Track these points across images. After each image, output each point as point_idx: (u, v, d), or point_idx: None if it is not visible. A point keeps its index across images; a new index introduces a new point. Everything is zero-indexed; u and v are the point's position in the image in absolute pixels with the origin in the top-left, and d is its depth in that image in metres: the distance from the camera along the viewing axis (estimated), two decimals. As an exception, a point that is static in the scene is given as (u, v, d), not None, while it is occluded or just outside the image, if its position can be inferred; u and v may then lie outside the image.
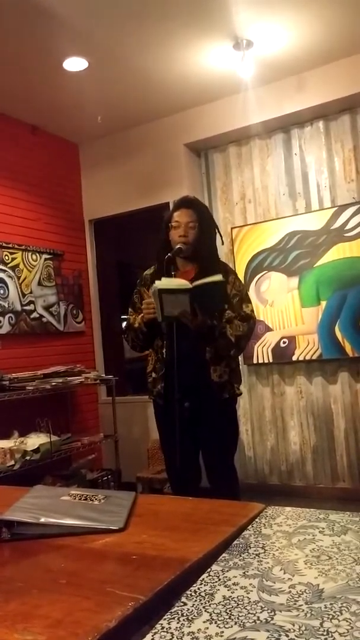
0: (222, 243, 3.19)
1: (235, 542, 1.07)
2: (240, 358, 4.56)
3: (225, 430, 2.86)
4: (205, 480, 2.92)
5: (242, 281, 4.00)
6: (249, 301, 2.89)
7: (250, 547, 1.04)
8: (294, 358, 4.49)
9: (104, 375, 4.93)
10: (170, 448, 2.78)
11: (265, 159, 4.76)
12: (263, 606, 0.81)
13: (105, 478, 4.56)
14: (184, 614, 0.80)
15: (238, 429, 3.00)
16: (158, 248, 2.90)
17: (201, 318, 2.58)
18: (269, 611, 0.79)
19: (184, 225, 2.78)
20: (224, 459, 2.86)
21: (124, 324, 3.06)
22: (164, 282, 2.53)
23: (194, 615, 0.80)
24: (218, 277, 2.51)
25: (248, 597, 0.84)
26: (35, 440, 3.78)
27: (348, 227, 4.28)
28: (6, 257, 4.34)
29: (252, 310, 2.86)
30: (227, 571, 0.94)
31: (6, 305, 4.28)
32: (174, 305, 2.51)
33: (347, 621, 0.75)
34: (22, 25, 3.42)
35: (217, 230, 2.95)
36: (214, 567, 0.96)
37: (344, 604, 0.80)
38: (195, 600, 0.84)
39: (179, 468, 2.75)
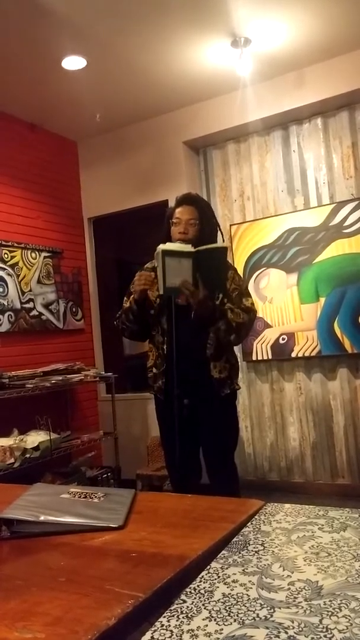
0: (223, 241, 3.19)
1: (234, 539, 1.07)
2: (239, 354, 4.57)
3: (225, 427, 2.86)
4: (205, 476, 2.93)
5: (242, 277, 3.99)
6: (249, 295, 2.88)
7: (249, 544, 1.04)
8: (293, 354, 4.50)
9: (103, 372, 4.93)
10: (170, 445, 2.79)
11: (263, 156, 4.75)
12: (262, 603, 0.81)
13: (105, 475, 4.56)
14: (184, 612, 0.80)
15: (238, 425, 2.99)
16: (160, 243, 2.90)
17: (203, 293, 2.56)
18: (269, 608, 0.79)
19: (184, 222, 2.79)
20: (224, 456, 2.86)
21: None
22: (168, 245, 2.55)
23: (194, 613, 0.80)
24: (221, 244, 2.52)
25: (247, 595, 0.84)
26: (35, 438, 3.78)
27: (347, 223, 4.28)
28: (5, 255, 4.34)
29: (253, 304, 2.85)
30: (227, 568, 0.94)
31: (5, 304, 4.28)
32: (176, 271, 2.50)
33: (346, 618, 0.75)
34: (20, 24, 3.41)
35: (218, 228, 2.95)
36: (213, 564, 0.96)
37: (343, 601, 0.80)
38: (195, 598, 0.84)
39: (179, 465, 2.76)
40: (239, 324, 2.72)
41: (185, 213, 2.81)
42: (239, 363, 3.04)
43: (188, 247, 2.53)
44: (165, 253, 2.48)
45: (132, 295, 2.82)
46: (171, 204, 2.98)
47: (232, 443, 2.93)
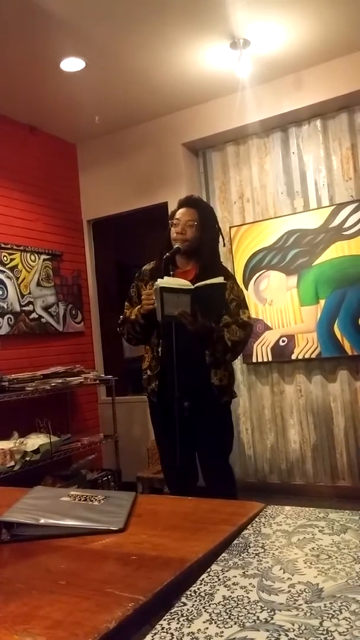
0: (224, 245, 3.19)
1: (235, 541, 1.07)
2: (239, 356, 4.57)
3: (221, 432, 2.86)
4: (201, 480, 2.92)
5: (241, 283, 3.98)
6: (247, 307, 2.88)
7: (249, 547, 1.04)
8: (293, 357, 4.49)
9: (103, 375, 4.93)
10: (169, 447, 2.78)
11: (263, 158, 4.76)
12: (263, 606, 0.81)
13: (106, 478, 4.56)
14: (184, 614, 0.80)
15: (233, 430, 2.99)
16: (161, 245, 2.91)
17: (201, 321, 2.57)
18: (269, 611, 0.79)
19: (183, 223, 2.79)
20: (220, 461, 2.86)
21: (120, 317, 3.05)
22: (166, 281, 2.53)
23: (194, 616, 0.80)
24: (220, 279, 2.51)
25: (248, 597, 0.84)
26: (35, 441, 3.77)
27: (346, 225, 4.28)
28: (5, 258, 4.34)
29: (250, 317, 2.85)
30: (227, 571, 0.94)
31: (5, 306, 4.28)
32: (174, 304, 2.50)
33: (346, 620, 0.75)
34: (19, 26, 3.42)
35: (219, 232, 2.95)
36: (213, 567, 0.96)
37: (344, 603, 0.80)
38: (195, 601, 0.84)
39: (179, 466, 2.75)
40: (235, 342, 2.72)
41: (185, 215, 2.81)
42: (235, 368, 3.03)
43: (186, 284, 2.51)
44: (163, 289, 2.47)
45: (139, 309, 2.80)
46: (171, 206, 2.99)
47: (229, 446, 2.93)
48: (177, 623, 0.78)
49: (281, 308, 4.55)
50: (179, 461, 2.72)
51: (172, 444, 2.72)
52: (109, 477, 4.59)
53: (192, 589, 0.88)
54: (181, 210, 2.84)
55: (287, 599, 0.83)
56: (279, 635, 0.72)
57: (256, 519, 1.18)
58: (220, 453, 2.87)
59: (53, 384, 4.03)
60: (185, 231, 2.78)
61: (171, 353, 2.69)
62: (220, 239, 2.95)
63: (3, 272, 4.31)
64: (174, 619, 0.79)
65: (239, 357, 3.02)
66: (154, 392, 2.85)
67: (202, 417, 2.78)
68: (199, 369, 2.74)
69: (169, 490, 3.08)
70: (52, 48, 3.70)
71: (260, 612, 0.79)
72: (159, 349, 2.80)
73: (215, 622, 0.77)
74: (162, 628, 0.77)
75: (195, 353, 2.73)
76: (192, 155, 5.04)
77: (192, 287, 2.48)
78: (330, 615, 0.76)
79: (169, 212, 2.97)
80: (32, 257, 4.61)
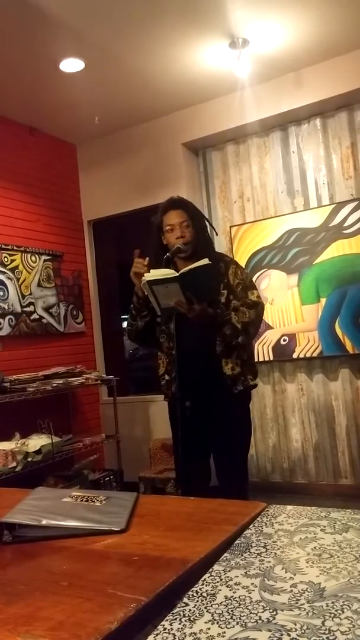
0: (217, 234, 3.16)
1: (236, 541, 1.07)
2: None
3: (236, 428, 2.78)
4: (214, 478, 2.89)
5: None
6: (254, 288, 2.81)
7: (251, 547, 1.04)
8: (295, 355, 4.49)
9: (104, 375, 4.93)
10: (177, 448, 2.76)
11: (263, 157, 4.76)
12: (265, 606, 0.81)
13: (108, 478, 4.56)
14: (186, 615, 0.80)
15: (250, 427, 2.90)
16: (153, 253, 2.86)
17: (199, 307, 2.51)
18: (271, 611, 0.79)
19: (178, 226, 2.74)
20: (235, 460, 2.78)
21: (124, 324, 3.04)
22: (152, 274, 2.52)
23: (196, 616, 0.80)
24: (204, 261, 2.47)
25: (250, 597, 0.84)
26: (36, 442, 3.78)
27: (347, 224, 4.28)
28: (5, 259, 4.34)
29: (259, 297, 2.78)
30: (229, 571, 0.94)
31: (6, 307, 4.28)
32: (167, 295, 2.49)
33: (348, 619, 0.75)
34: (18, 27, 3.42)
35: (208, 223, 2.92)
36: (215, 567, 0.96)
37: (346, 603, 0.80)
38: (197, 601, 0.84)
39: (183, 468, 2.74)
40: (245, 324, 2.65)
41: (175, 217, 2.76)
42: (254, 360, 2.96)
43: (170, 272, 2.48)
44: (151, 282, 2.46)
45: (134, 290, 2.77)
46: (160, 210, 2.91)
47: (245, 446, 2.84)
48: (179, 623, 0.78)
49: (282, 307, 4.55)
50: (181, 461, 2.70)
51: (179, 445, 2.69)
52: (111, 477, 4.59)
53: (194, 589, 0.88)
54: (170, 215, 2.78)
55: (289, 598, 0.83)
56: (281, 635, 0.72)
57: (258, 519, 1.18)
58: (234, 452, 2.79)
59: (54, 385, 4.03)
60: (185, 233, 2.74)
61: (179, 352, 2.65)
62: (211, 230, 2.91)
63: (4, 273, 4.31)
64: (176, 619, 0.79)
65: (253, 339, 2.94)
66: (174, 396, 2.81)
67: (215, 413, 2.74)
68: (211, 363, 2.69)
69: (181, 491, 3.05)
70: (51, 49, 3.70)
71: (263, 612, 0.79)
72: (173, 352, 2.76)
73: (218, 623, 0.77)
74: (164, 628, 0.77)
75: (206, 349, 2.68)
76: (192, 155, 5.04)
77: (177, 274, 2.45)
78: (332, 615, 0.76)
79: (153, 220, 2.90)
80: (33, 258, 4.62)
